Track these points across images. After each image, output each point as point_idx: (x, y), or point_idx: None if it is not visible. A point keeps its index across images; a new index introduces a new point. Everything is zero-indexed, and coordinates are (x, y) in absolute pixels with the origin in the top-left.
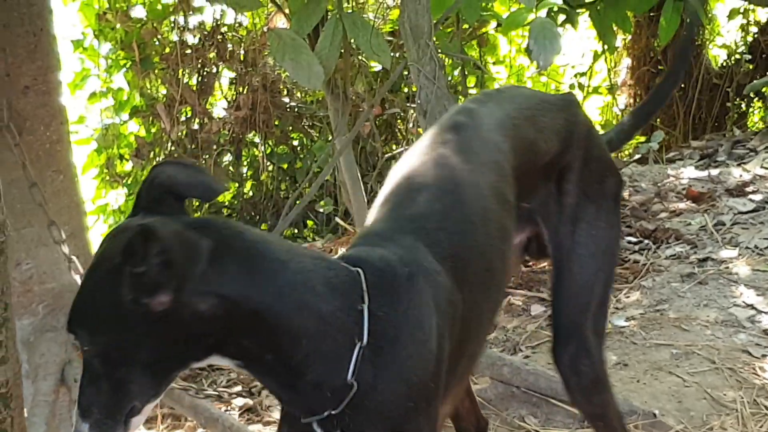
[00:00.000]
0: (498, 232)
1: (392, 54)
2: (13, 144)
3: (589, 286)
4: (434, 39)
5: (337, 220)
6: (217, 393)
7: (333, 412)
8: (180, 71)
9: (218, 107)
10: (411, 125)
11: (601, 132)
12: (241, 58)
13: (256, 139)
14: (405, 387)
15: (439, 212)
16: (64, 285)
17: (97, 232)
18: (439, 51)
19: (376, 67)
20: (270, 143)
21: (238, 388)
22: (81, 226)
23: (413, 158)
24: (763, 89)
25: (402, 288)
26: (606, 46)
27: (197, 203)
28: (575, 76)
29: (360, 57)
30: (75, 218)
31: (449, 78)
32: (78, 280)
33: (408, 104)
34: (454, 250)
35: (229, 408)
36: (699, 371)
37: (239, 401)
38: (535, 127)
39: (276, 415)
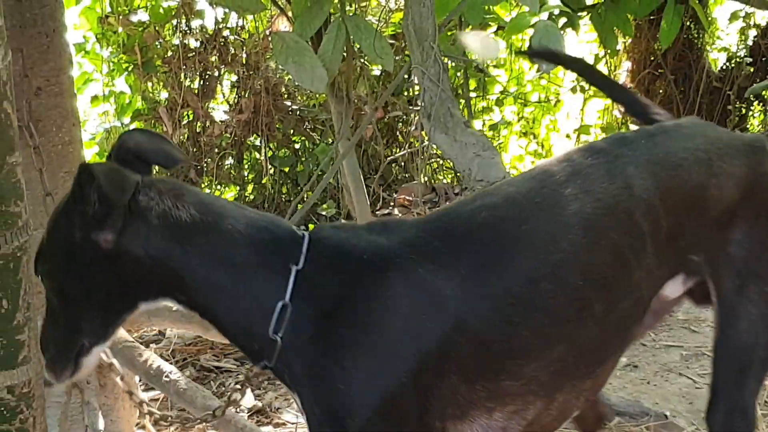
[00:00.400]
0: (568, 265)
1: (394, 57)
2: (32, 147)
3: (755, 346)
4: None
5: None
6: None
7: (268, 365)
8: (182, 75)
9: (220, 111)
10: (413, 128)
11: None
12: (243, 62)
13: (258, 143)
14: (338, 368)
15: (479, 221)
16: None
17: None
18: (442, 53)
19: (378, 70)
20: (272, 146)
21: (247, 390)
22: None
23: (534, 167)
24: (763, 92)
25: (352, 269)
26: (607, 50)
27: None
28: (576, 79)
29: (362, 60)
30: None
31: (452, 81)
32: None
33: (410, 107)
34: (474, 261)
35: (238, 410)
36: (709, 372)
37: (248, 403)
38: (709, 172)
39: (285, 416)
